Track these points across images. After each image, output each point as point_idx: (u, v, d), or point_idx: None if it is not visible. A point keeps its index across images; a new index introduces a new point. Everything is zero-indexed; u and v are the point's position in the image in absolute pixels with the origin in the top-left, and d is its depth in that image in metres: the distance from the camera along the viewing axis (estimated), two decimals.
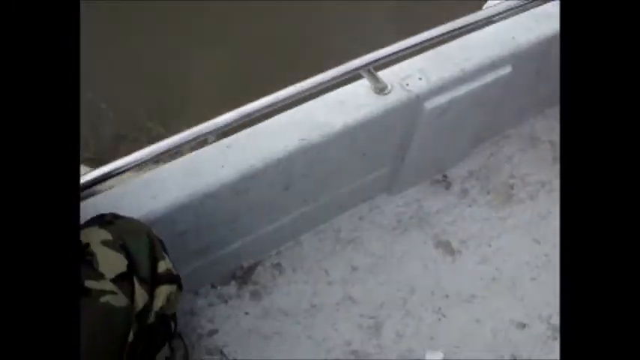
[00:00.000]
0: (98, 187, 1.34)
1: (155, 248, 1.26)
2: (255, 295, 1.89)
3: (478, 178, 2.14)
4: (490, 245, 2.03)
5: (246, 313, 1.86)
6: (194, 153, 1.51)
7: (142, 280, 1.20)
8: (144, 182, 1.45)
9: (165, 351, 1.37)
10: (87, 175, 1.29)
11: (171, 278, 1.26)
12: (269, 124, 1.56)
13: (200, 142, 1.43)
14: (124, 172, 1.32)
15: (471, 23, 1.59)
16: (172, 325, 1.37)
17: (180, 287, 1.30)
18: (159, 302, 1.22)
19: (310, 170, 1.64)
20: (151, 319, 1.22)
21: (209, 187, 1.46)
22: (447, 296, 1.93)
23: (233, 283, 1.89)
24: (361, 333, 1.86)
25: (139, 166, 1.34)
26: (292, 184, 1.65)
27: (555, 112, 2.29)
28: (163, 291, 1.24)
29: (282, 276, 1.92)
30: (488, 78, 1.73)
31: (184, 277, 1.72)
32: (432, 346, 1.85)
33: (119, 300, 1.14)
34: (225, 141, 1.52)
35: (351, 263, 1.96)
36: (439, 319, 1.90)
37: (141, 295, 1.19)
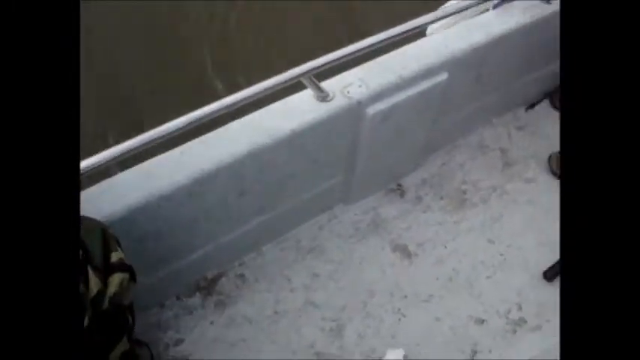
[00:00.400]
0: None
1: (108, 241, 1.34)
2: (220, 305, 1.95)
3: (431, 185, 2.25)
4: (446, 247, 2.11)
5: (212, 323, 1.92)
6: (149, 160, 1.61)
7: (95, 269, 1.27)
8: (101, 188, 1.54)
9: (123, 344, 1.42)
10: None
11: (124, 267, 1.33)
12: (219, 132, 1.66)
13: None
14: None
15: (408, 30, 1.71)
16: (130, 318, 1.44)
17: (133, 277, 1.37)
18: (112, 288, 1.29)
19: (262, 176, 1.73)
20: (106, 304, 1.28)
21: (164, 190, 1.55)
22: (405, 297, 2.00)
23: (198, 294, 1.96)
24: (324, 336, 1.92)
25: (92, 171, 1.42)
26: (246, 190, 1.74)
27: (502, 121, 2.42)
28: (116, 278, 1.30)
29: (246, 285, 1.99)
30: (426, 84, 1.85)
31: (150, 289, 1.80)
32: (393, 345, 1.91)
33: None
34: (179, 148, 1.62)
35: (313, 270, 2.03)
36: (399, 319, 1.96)
37: (95, 282, 1.26)
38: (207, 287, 1.97)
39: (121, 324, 1.40)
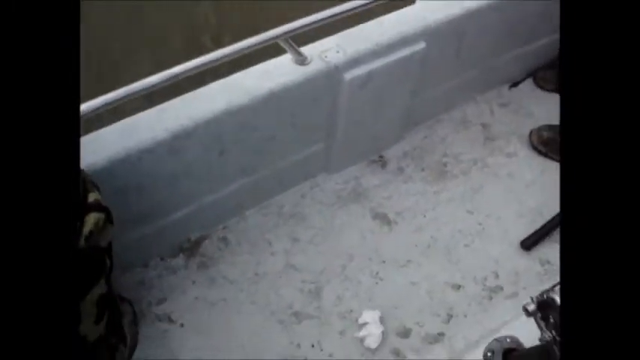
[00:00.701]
0: None
1: (85, 182, 1.40)
2: (202, 266, 2.01)
3: (413, 157, 2.30)
4: (425, 216, 2.16)
5: (194, 282, 1.98)
6: (130, 117, 1.67)
7: None
8: (84, 142, 1.60)
9: (101, 287, 1.48)
10: None
11: (100, 207, 1.39)
12: (200, 92, 1.73)
13: None
14: None
15: None
16: (108, 261, 1.49)
17: (110, 219, 1.43)
18: (88, 227, 1.34)
19: (241, 135, 1.79)
20: (81, 242, 1.34)
21: (144, 143, 1.61)
22: (383, 262, 2.05)
23: (181, 255, 2.02)
24: (302, 297, 1.97)
25: None
26: (226, 149, 1.80)
27: (486, 98, 2.47)
28: (92, 218, 1.36)
29: (228, 248, 2.05)
30: (403, 52, 1.91)
31: (134, 247, 1.87)
32: (370, 307, 1.95)
33: None
34: (159, 106, 1.69)
35: (293, 235, 2.09)
36: (377, 283, 2.01)
37: None
38: (190, 249, 2.03)
39: (98, 265, 1.46)
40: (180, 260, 2.01)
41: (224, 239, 2.06)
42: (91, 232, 1.36)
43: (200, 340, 1.87)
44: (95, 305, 1.48)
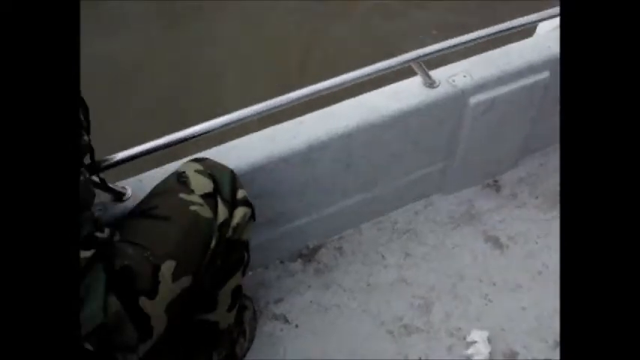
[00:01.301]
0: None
1: (236, 180, 1.55)
2: (318, 272, 2.12)
3: (527, 184, 2.33)
4: (537, 243, 2.18)
5: (309, 287, 2.09)
6: (271, 127, 1.82)
7: (224, 200, 1.48)
8: (227, 147, 1.77)
9: (237, 278, 1.62)
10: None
11: (247, 203, 1.53)
12: (335, 108, 1.85)
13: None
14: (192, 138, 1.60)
15: (515, 27, 1.85)
16: (246, 255, 1.63)
17: (253, 215, 1.57)
18: (236, 219, 1.49)
19: (368, 151, 1.90)
20: (230, 233, 1.49)
21: (283, 152, 1.75)
22: (494, 284, 2.09)
23: (299, 260, 2.14)
24: (412, 310, 2.04)
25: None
26: (353, 163, 1.91)
27: None
28: (240, 211, 1.50)
29: (343, 257, 2.15)
30: (528, 81, 1.96)
31: (258, 250, 2.01)
32: (478, 326, 1.99)
33: (205, 211, 1.42)
34: (298, 119, 1.83)
35: (406, 250, 2.17)
36: (486, 304, 2.05)
37: (222, 212, 1.46)
38: (308, 255, 2.15)
39: (239, 257, 1.60)
40: (298, 265, 2.14)
41: (340, 249, 2.17)
42: (238, 225, 1.50)
43: (313, 341, 1.98)
44: (230, 295, 1.63)
